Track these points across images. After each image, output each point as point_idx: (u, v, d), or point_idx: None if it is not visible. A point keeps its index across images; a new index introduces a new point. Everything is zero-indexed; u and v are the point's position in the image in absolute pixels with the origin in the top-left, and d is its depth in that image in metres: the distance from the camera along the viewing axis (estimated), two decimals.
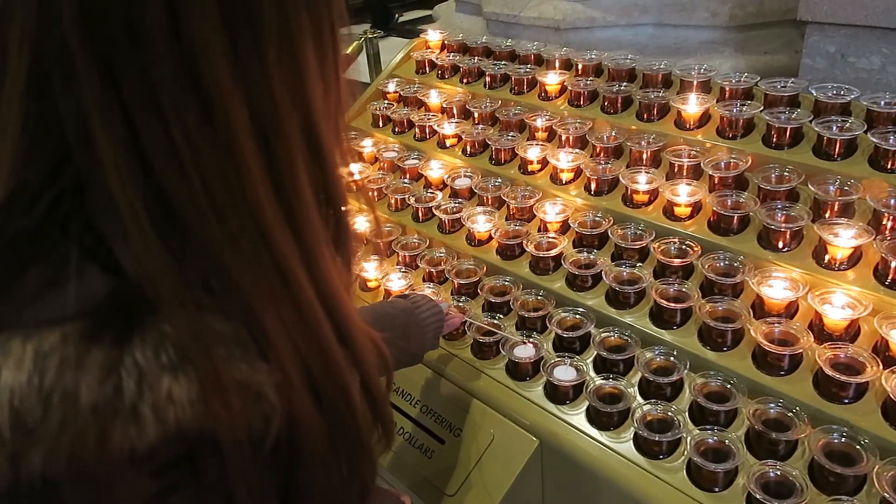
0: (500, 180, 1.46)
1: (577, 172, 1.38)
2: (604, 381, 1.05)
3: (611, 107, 1.44)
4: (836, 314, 0.98)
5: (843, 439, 0.88)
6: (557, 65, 1.60)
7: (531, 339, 1.15)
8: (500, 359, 1.15)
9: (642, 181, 1.27)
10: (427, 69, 1.85)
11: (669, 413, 0.98)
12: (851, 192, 1.08)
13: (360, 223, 1.54)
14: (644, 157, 1.32)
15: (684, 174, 1.26)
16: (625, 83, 1.45)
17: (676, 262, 1.14)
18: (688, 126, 1.32)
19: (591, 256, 1.23)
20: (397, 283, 1.35)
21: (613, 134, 1.39)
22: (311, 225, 0.50)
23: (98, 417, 0.40)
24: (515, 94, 1.61)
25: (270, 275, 0.47)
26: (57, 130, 0.42)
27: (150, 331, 0.42)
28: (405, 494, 0.82)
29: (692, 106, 1.31)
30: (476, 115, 1.61)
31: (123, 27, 0.40)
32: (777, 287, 1.05)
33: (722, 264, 1.12)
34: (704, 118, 1.32)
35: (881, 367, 0.91)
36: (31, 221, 0.43)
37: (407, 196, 1.52)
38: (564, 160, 1.38)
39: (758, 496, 0.84)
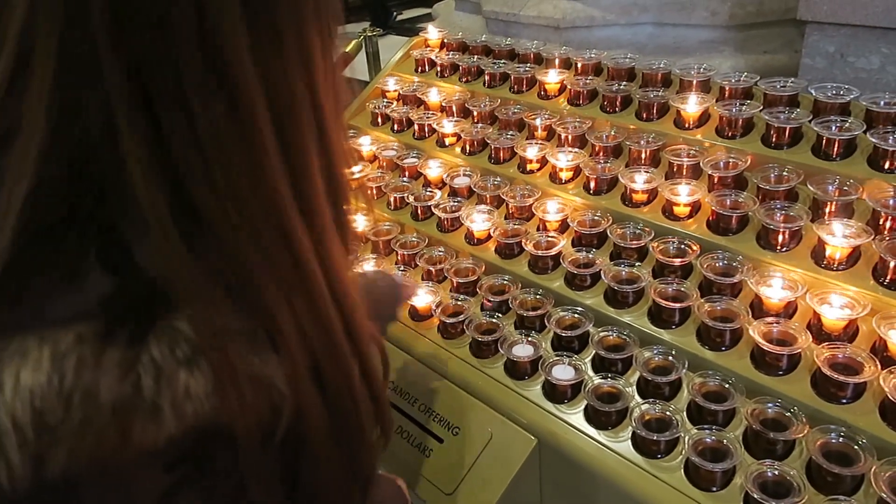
0: (499, 179, 1.46)
1: (577, 171, 1.38)
2: (602, 381, 1.05)
3: (610, 106, 1.44)
4: (834, 314, 0.98)
5: (841, 439, 0.88)
6: (557, 64, 1.59)
7: (530, 338, 1.15)
8: (499, 357, 1.15)
9: (641, 180, 1.27)
10: (426, 67, 1.85)
11: (667, 412, 0.98)
12: (850, 192, 1.08)
13: (360, 222, 1.54)
14: (643, 156, 1.32)
15: (683, 174, 1.26)
16: (624, 82, 1.45)
17: (675, 261, 1.14)
18: (687, 125, 1.32)
19: (590, 255, 1.23)
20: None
21: (613, 133, 1.39)
22: (322, 216, 0.52)
23: (119, 415, 0.41)
24: (515, 92, 1.61)
25: (287, 266, 0.48)
26: (79, 129, 0.43)
27: (164, 328, 0.43)
28: (399, 479, 0.83)
29: (691, 105, 1.31)
30: (475, 113, 1.61)
31: (152, 24, 0.41)
32: (776, 287, 1.05)
33: (721, 264, 1.12)
34: (704, 118, 1.31)
35: (879, 367, 0.91)
36: (50, 221, 0.43)
37: (406, 194, 1.52)
38: (563, 159, 1.38)
39: (755, 496, 0.84)
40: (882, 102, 1.15)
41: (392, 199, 1.56)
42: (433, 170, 1.55)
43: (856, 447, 0.86)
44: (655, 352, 1.06)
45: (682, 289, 1.11)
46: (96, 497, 0.44)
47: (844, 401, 0.92)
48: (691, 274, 1.15)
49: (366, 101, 1.85)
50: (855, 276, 1.02)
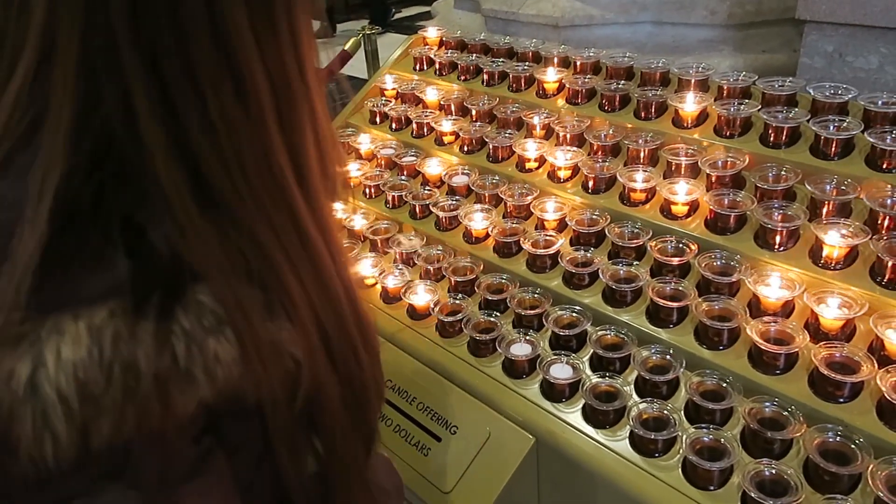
0: (497, 178, 1.46)
1: (575, 170, 1.38)
2: (600, 380, 1.05)
3: (609, 105, 1.44)
4: (831, 313, 0.98)
5: (838, 438, 0.88)
6: (555, 62, 1.59)
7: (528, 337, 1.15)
8: (497, 356, 1.15)
9: (639, 179, 1.27)
10: (425, 66, 1.84)
11: (665, 411, 0.98)
12: (848, 192, 1.08)
13: (358, 221, 1.54)
14: (641, 155, 1.32)
15: (682, 173, 1.26)
16: (623, 81, 1.45)
17: (673, 260, 1.14)
18: (685, 125, 1.32)
19: (588, 254, 1.23)
20: (394, 280, 1.35)
21: (611, 132, 1.39)
22: (318, 192, 0.55)
23: (160, 384, 0.43)
24: (513, 91, 1.61)
25: (293, 237, 0.51)
26: (101, 117, 0.45)
27: (189, 301, 0.46)
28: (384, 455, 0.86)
29: (690, 104, 1.31)
30: (474, 112, 1.60)
31: (167, 13, 0.44)
32: (773, 286, 1.05)
33: (719, 263, 1.12)
34: (702, 117, 1.32)
35: (876, 366, 0.91)
36: (77, 206, 0.45)
37: (404, 193, 1.52)
38: (562, 158, 1.38)
39: (753, 495, 0.84)
40: (880, 102, 1.16)
41: (390, 198, 1.56)
42: (431, 168, 1.55)
43: (853, 446, 0.86)
44: (653, 351, 1.06)
45: (680, 288, 1.11)
46: (136, 470, 0.46)
47: (841, 400, 0.92)
48: (689, 273, 1.15)
49: (364, 100, 1.85)
50: (852, 276, 1.02)
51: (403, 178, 1.59)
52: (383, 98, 1.84)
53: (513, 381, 1.11)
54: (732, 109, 1.25)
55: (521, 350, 1.13)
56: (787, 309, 1.04)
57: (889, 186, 1.06)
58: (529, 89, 1.59)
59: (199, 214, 0.46)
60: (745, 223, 1.15)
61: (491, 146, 1.50)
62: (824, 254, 1.05)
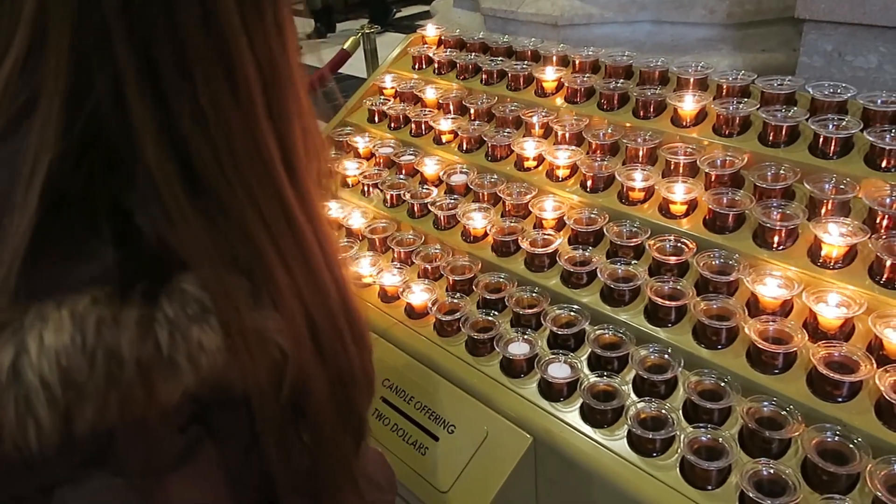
0: (495, 177, 1.46)
1: (573, 169, 1.38)
2: (598, 379, 1.05)
3: (607, 104, 1.43)
4: (830, 313, 0.98)
5: (837, 438, 0.88)
6: (554, 61, 1.59)
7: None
8: (495, 355, 1.15)
9: (638, 178, 1.27)
10: (423, 65, 1.84)
11: (663, 411, 0.98)
12: (847, 191, 1.08)
13: (356, 219, 1.54)
14: (640, 154, 1.32)
15: (680, 172, 1.26)
16: (621, 80, 1.45)
17: (672, 259, 1.14)
18: (684, 123, 1.32)
19: (587, 254, 1.23)
20: (392, 279, 1.35)
21: (610, 131, 1.39)
22: (304, 175, 0.55)
23: (143, 371, 0.44)
24: (512, 90, 1.61)
25: (281, 225, 0.51)
26: (92, 103, 0.45)
27: (173, 289, 0.46)
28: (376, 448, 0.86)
29: (689, 103, 1.30)
30: (472, 111, 1.60)
31: (159, 1, 0.45)
32: (772, 285, 1.05)
33: (717, 262, 1.12)
34: (701, 116, 1.31)
35: (875, 365, 0.91)
36: (65, 192, 0.45)
37: (402, 192, 1.52)
38: (560, 157, 1.38)
39: (751, 494, 0.84)
40: (879, 101, 1.15)
41: (388, 197, 1.55)
42: (430, 167, 1.55)
43: (851, 446, 0.86)
44: (651, 350, 1.05)
45: (679, 287, 1.11)
46: (120, 457, 0.46)
47: (840, 399, 0.92)
48: (688, 272, 1.14)
49: (363, 98, 1.85)
50: (851, 275, 1.02)
51: (402, 176, 1.59)
52: (382, 97, 1.84)
53: (511, 380, 1.11)
54: (731, 108, 1.25)
55: (518, 349, 1.13)
56: (785, 308, 1.04)
57: (888, 185, 1.06)
58: (528, 88, 1.59)
59: (187, 202, 0.47)
60: (743, 222, 1.15)
61: (489, 145, 1.50)
62: (823, 253, 1.04)
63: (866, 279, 1.00)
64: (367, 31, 2.89)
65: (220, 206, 0.48)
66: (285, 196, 0.52)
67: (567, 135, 1.42)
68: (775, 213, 1.10)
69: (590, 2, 2.58)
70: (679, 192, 1.21)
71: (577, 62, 1.54)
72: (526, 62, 1.63)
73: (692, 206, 1.21)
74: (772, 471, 0.87)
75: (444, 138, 1.61)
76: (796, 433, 0.89)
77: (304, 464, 0.56)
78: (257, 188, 0.50)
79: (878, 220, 1.04)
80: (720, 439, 0.92)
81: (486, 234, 1.36)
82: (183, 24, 0.45)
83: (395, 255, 1.43)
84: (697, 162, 1.23)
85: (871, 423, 0.88)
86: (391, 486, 0.81)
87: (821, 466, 0.84)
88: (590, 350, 1.09)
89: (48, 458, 0.43)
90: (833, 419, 0.90)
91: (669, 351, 1.05)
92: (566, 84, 1.50)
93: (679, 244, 1.16)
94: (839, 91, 1.20)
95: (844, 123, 1.14)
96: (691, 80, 1.36)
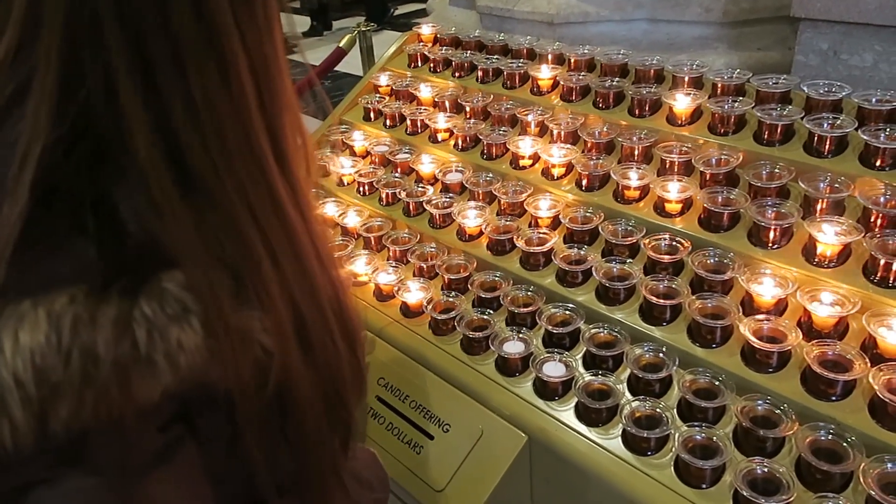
0: (491, 175, 1.45)
1: (569, 168, 1.38)
2: (593, 378, 1.05)
3: (603, 102, 1.43)
4: (824, 311, 0.98)
5: (830, 437, 0.88)
6: (550, 59, 1.59)
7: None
8: (490, 354, 1.15)
9: (633, 177, 1.27)
10: (419, 63, 1.84)
11: (658, 410, 0.98)
12: (842, 190, 1.08)
13: (351, 218, 1.53)
14: (635, 152, 1.32)
15: (675, 170, 1.26)
16: (617, 78, 1.44)
17: (666, 258, 1.14)
18: (679, 122, 1.32)
19: (582, 252, 1.23)
20: (388, 277, 1.35)
21: (605, 129, 1.39)
22: (296, 172, 0.55)
23: (119, 370, 0.43)
24: (507, 88, 1.60)
25: (272, 219, 0.51)
26: (83, 93, 0.45)
27: (152, 288, 0.46)
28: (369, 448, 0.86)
29: (684, 102, 1.30)
30: (468, 109, 1.60)
31: None
32: (766, 284, 1.05)
33: (712, 261, 1.12)
34: (696, 114, 1.31)
35: (869, 364, 0.91)
36: (54, 182, 0.45)
37: (398, 190, 1.52)
38: (556, 155, 1.38)
39: (745, 493, 0.84)
40: (874, 100, 1.15)
41: (384, 195, 1.55)
42: (425, 165, 1.55)
43: (845, 444, 0.86)
44: (646, 349, 1.05)
45: (674, 286, 1.11)
46: (101, 451, 0.46)
47: (834, 398, 0.92)
48: (682, 271, 1.14)
49: (358, 97, 1.84)
50: (846, 274, 1.02)
51: (397, 175, 1.59)
52: (378, 95, 1.83)
53: (505, 378, 1.11)
54: (726, 107, 1.25)
55: (513, 348, 1.13)
56: (780, 307, 1.04)
57: (882, 184, 1.06)
58: (524, 86, 1.59)
59: (177, 195, 0.46)
60: (738, 221, 1.15)
61: (485, 143, 1.50)
62: (818, 251, 1.05)
63: (860, 278, 1.00)
64: (364, 29, 2.89)
65: (209, 200, 0.48)
66: (276, 190, 0.52)
67: (562, 133, 1.42)
68: (770, 211, 1.10)
69: (586, 0, 2.58)
70: (674, 190, 1.21)
71: (572, 60, 1.54)
72: (522, 60, 1.63)
73: (687, 204, 1.21)
74: (766, 469, 0.87)
75: (440, 136, 1.61)
76: (790, 432, 0.89)
77: (290, 464, 0.56)
78: (248, 181, 0.50)
79: (872, 219, 1.04)
80: (714, 438, 0.92)
81: (481, 233, 1.36)
82: (175, 17, 0.45)
83: (391, 254, 1.42)
84: (692, 160, 1.23)
85: (864, 421, 0.89)
86: (383, 486, 0.81)
87: (815, 465, 0.84)
88: (585, 349, 1.09)
89: (23, 457, 0.42)
90: (827, 418, 0.90)
91: (664, 350, 1.05)
92: (562, 82, 1.50)
93: (674, 243, 1.16)
94: (834, 90, 1.20)
95: (839, 122, 1.14)
96: (686, 78, 1.36)
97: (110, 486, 0.46)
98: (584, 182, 1.33)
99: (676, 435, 0.93)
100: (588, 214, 1.28)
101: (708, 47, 2.47)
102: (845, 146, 1.14)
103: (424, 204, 1.45)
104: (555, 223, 1.32)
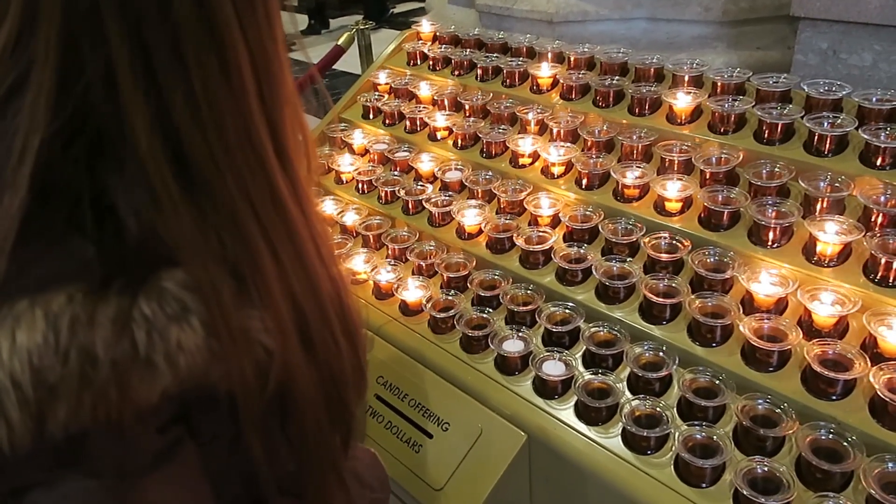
0: (490, 173, 1.45)
1: (569, 166, 1.37)
2: (592, 376, 1.04)
3: (602, 101, 1.43)
4: (825, 311, 0.98)
5: (831, 436, 0.88)
6: (549, 58, 1.58)
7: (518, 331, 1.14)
8: (489, 353, 1.15)
9: (633, 176, 1.27)
10: (418, 61, 1.84)
11: (658, 408, 0.98)
12: (842, 189, 1.08)
13: (350, 216, 1.53)
14: (635, 151, 1.32)
15: (675, 169, 1.26)
16: (617, 77, 1.44)
17: (666, 257, 1.13)
18: (679, 121, 1.32)
19: (582, 251, 1.23)
20: (387, 275, 1.34)
21: (605, 128, 1.38)
22: (295, 164, 0.55)
23: (117, 370, 0.43)
24: (507, 86, 1.60)
25: (271, 214, 0.51)
26: (82, 85, 0.45)
27: (152, 288, 0.45)
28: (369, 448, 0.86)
29: (684, 101, 1.30)
30: (467, 107, 1.60)
31: None
32: (766, 283, 1.05)
33: (712, 260, 1.11)
34: (696, 113, 1.31)
35: (869, 363, 0.91)
36: (52, 177, 0.45)
37: (397, 188, 1.51)
38: (555, 154, 1.37)
39: (745, 492, 0.83)
40: (874, 99, 1.15)
41: (383, 193, 1.55)
42: (425, 164, 1.54)
43: (845, 444, 0.86)
44: (646, 348, 1.05)
45: (674, 284, 1.10)
46: (99, 452, 0.45)
47: (834, 397, 0.92)
48: (682, 270, 1.14)
49: (357, 95, 1.84)
50: (846, 273, 1.02)
51: (396, 173, 1.59)
52: (376, 93, 1.83)
53: (505, 377, 1.11)
54: (726, 106, 1.25)
55: (513, 346, 1.12)
56: (780, 306, 1.04)
57: (882, 183, 1.06)
58: (523, 85, 1.58)
59: (177, 190, 0.46)
60: (738, 220, 1.15)
61: (484, 142, 1.50)
62: (818, 251, 1.04)
63: (861, 277, 1.00)
64: (362, 27, 2.88)
65: (209, 195, 0.48)
66: (277, 185, 0.51)
67: (562, 132, 1.42)
68: (770, 210, 1.10)
69: None
70: (674, 189, 1.21)
71: (572, 59, 1.54)
72: (521, 59, 1.63)
73: (687, 203, 1.21)
74: (766, 468, 0.87)
75: (439, 135, 1.60)
76: (790, 431, 0.89)
77: (291, 463, 0.56)
78: (248, 176, 0.49)
79: (872, 218, 1.04)
80: (714, 437, 0.92)
81: (480, 231, 1.36)
82: (176, 8, 0.45)
83: (390, 252, 1.42)
84: (692, 159, 1.23)
85: (865, 420, 0.89)
86: (383, 486, 0.81)
87: (815, 464, 0.84)
88: (584, 347, 1.09)
89: (20, 459, 0.42)
90: (827, 417, 0.90)
91: (664, 348, 1.04)
92: (561, 81, 1.50)
93: (674, 242, 1.16)
94: (834, 89, 1.19)
95: (839, 121, 1.14)
96: (686, 77, 1.35)
97: (109, 488, 0.46)
98: (584, 180, 1.33)
99: (676, 434, 0.93)
100: (588, 213, 1.28)
101: (707, 46, 2.48)
102: (845, 145, 1.14)
103: (423, 202, 1.45)
104: (554, 222, 1.31)
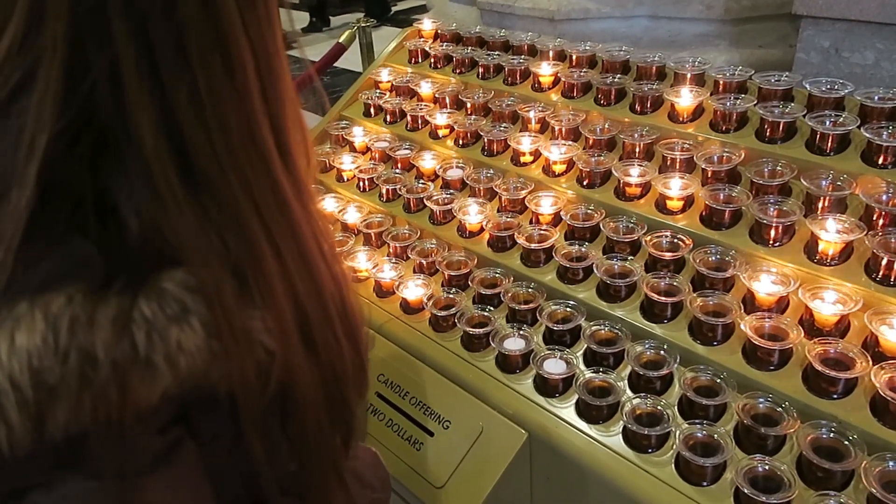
0: (492, 171, 1.45)
1: (570, 164, 1.37)
2: (593, 375, 1.04)
3: (604, 99, 1.43)
4: (826, 309, 0.98)
5: (832, 434, 0.88)
6: (551, 56, 1.58)
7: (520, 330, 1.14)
8: (490, 351, 1.15)
9: (635, 174, 1.26)
10: (420, 59, 1.83)
11: (659, 407, 0.98)
12: (844, 188, 1.08)
13: (351, 214, 1.53)
14: (637, 149, 1.32)
15: (677, 167, 1.26)
16: (618, 75, 1.44)
17: (668, 255, 1.13)
18: (681, 119, 1.31)
19: (583, 249, 1.22)
20: (388, 274, 1.34)
21: (606, 126, 1.38)
22: (298, 162, 0.55)
23: (118, 372, 0.43)
24: (508, 84, 1.60)
25: (274, 212, 0.51)
26: (88, 84, 0.45)
27: (151, 288, 0.45)
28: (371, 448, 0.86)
29: (686, 99, 1.30)
30: (469, 105, 1.60)
31: None
32: (768, 282, 1.05)
33: (713, 258, 1.11)
34: (698, 111, 1.31)
35: (871, 362, 0.91)
36: (57, 176, 0.45)
37: (398, 186, 1.51)
38: (557, 152, 1.37)
39: (745, 491, 0.83)
40: (876, 97, 1.15)
41: (384, 191, 1.55)
42: (426, 162, 1.54)
43: (846, 443, 0.86)
44: (647, 346, 1.05)
45: (675, 283, 1.10)
46: (100, 454, 0.45)
47: (835, 396, 0.92)
48: (684, 268, 1.14)
49: (358, 92, 1.84)
50: (847, 272, 1.01)
51: (398, 171, 1.59)
52: (378, 91, 1.83)
53: (506, 375, 1.11)
54: (728, 104, 1.25)
55: (514, 345, 1.12)
56: (781, 305, 1.04)
57: (884, 182, 1.06)
58: (525, 83, 1.58)
59: (181, 188, 0.46)
60: (740, 218, 1.14)
61: (486, 140, 1.50)
62: (819, 249, 1.04)
63: (863, 276, 1.00)
64: (363, 24, 2.88)
65: (213, 195, 0.48)
66: (280, 184, 0.51)
67: (563, 130, 1.42)
68: (772, 209, 1.10)
69: None
70: (676, 187, 1.21)
71: (573, 57, 1.54)
72: (522, 57, 1.63)
73: (689, 202, 1.21)
74: (767, 467, 0.87)
75: (441, 133, 1.60)
76: (791, 430, 0.89)
77: (292, 463, 0.56)
78: (252, 175, 0.49)
79: (874, 217, 1.04)
80: (715, 436, 0.92)
81: (482, 230, 1.36)
82: (181, 7, 0.45)
83: (391, 250, 1.42)
84: (694, 158, 1.22)
85: (866, 419, 0.88)
86: (384, 486, 0.80)
87: (816, 463, 0.84)
88: (585, 346, 1.09)
89: (20, 460, 0.42)
90: (828, 416, 0.90)
91: (665, 347, 1.04)
92: (563, 79, 1.50)
93: (675, 240, 1.16)
94: (836, 87, 1.19)
95: (841, 120, 1.14)
96: (688, 75, 1.35)
97: (109, 489, 0.45)
98: (586, 179, 1.33)
99: (677, 432, 0.93)
100: (589, 211, 1.27)
101: (709, 44, 2.47)
102: (847, 144, 1.14)
103: (425, 200, 1.45)
104: (556, 220, 1.31)
